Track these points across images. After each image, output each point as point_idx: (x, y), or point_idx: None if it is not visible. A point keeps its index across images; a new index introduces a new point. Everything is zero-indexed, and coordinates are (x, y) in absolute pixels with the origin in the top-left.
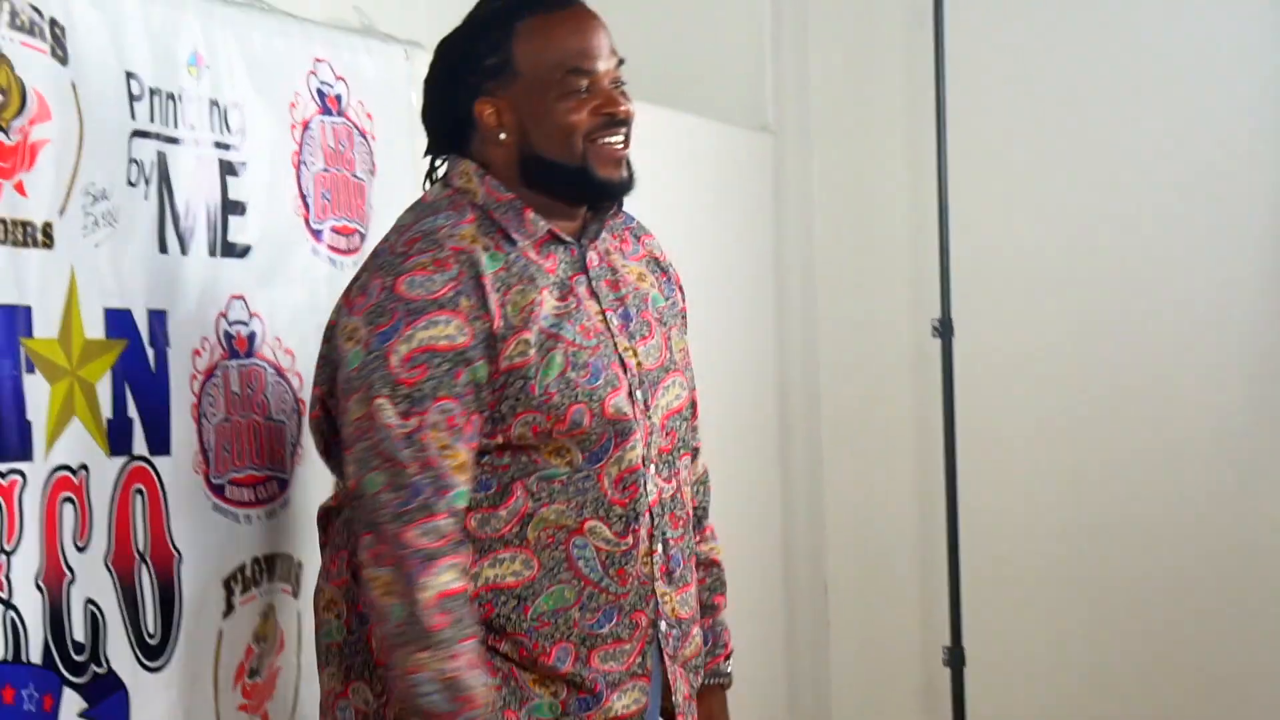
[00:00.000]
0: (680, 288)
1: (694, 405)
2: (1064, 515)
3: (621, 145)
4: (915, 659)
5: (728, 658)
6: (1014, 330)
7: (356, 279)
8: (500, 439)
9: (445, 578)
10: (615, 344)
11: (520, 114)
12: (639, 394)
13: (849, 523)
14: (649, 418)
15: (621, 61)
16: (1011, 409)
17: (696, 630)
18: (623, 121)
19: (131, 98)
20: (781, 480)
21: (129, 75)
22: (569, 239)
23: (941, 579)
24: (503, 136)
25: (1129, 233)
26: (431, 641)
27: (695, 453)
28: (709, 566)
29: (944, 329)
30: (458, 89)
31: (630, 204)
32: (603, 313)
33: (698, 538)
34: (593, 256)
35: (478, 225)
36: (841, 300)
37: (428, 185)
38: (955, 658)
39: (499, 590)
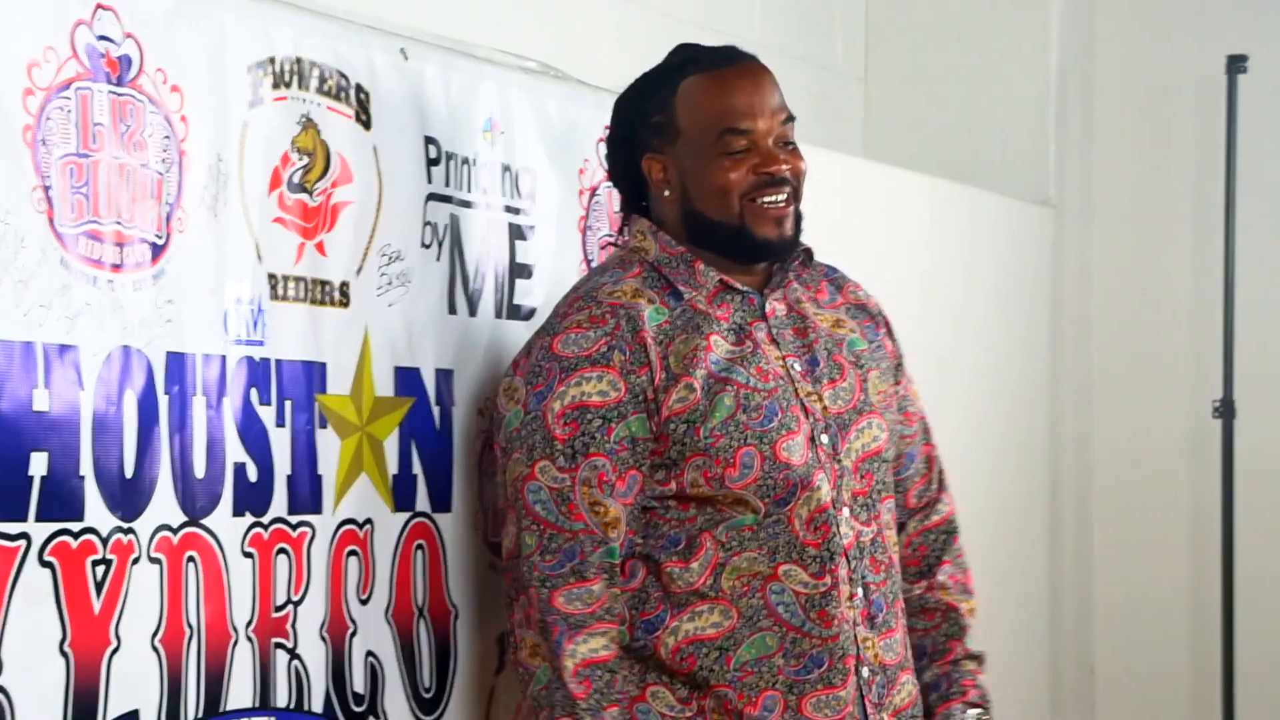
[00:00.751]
0: (891, 333)
1: (928, 460)
2: None
3: (783, 203)
4: None
5: (969, 704)
6: None
7: (526, 341)
8: (674, 486)
9: (591, 644)
10: (796, 389)
11: (682, 172)
12: (824, 438)
13: (1119, 606)
14: (838, 461)
15: (791, 118)
16: None
17: (906, 678)
18: (783, 180)
19: (429, 161)
20: (1050, 561)
21: (427, 140)
22: (746, 289)
23: (1214, 667)
24: (667, 193)
25: None
26: (573, 709)
27: (930, 504)
28: (944, 612)
29: (1225, 410)
30: (631, 146)
31: (908, 271)
32: (783, 359)
33: (925, 585)
34: (775, 306)
35: (643, 279)
36: (1119, 379)
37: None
38: None
39: (699, 643)
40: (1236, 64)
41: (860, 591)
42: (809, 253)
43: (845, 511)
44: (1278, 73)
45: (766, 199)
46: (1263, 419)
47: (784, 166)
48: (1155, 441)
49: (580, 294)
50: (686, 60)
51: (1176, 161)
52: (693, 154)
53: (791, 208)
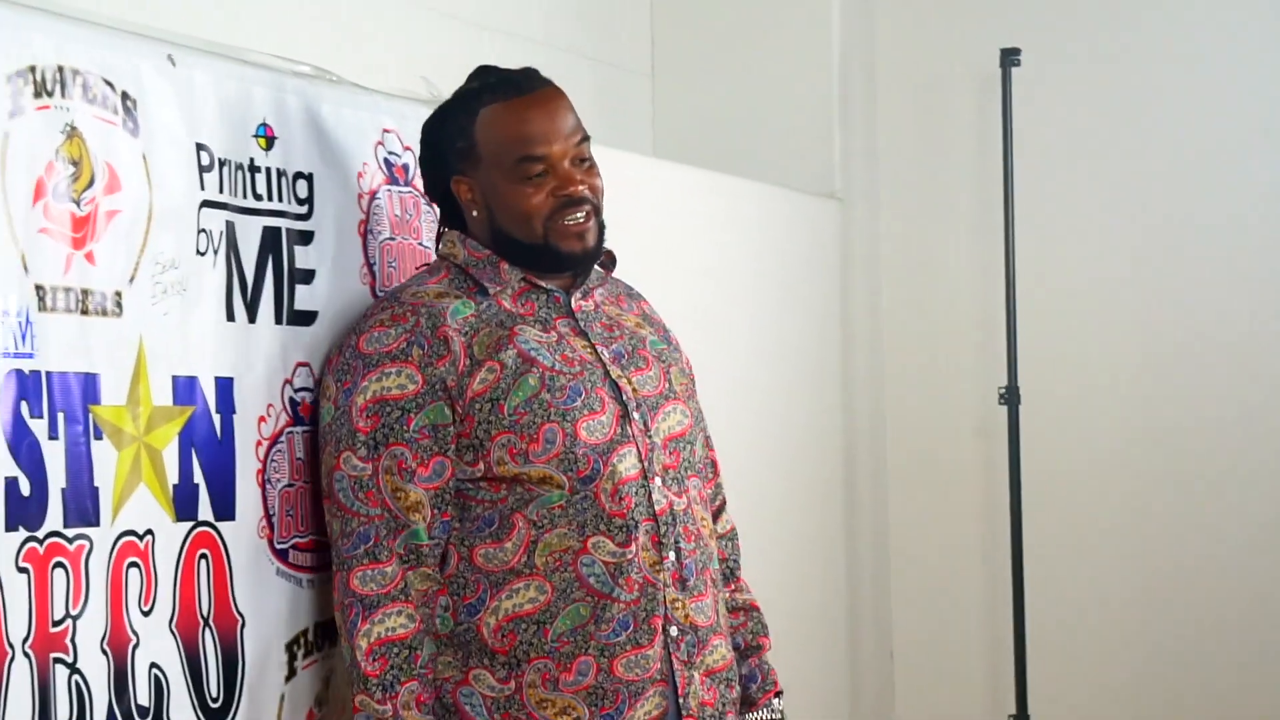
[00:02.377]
0: (681, 351)
1: (713, 463)
2: (1131, 582)
3: (583, 219)
4: None
5: (778, 694)
6: (1080, 397)
7: (337, 340)
8: (482, 466)
9: (387, 624)
10: (607, 371)
11: (487, 194)
12: (637, 415)
13: (914, 591)
14: (650, 436)
15: (586, 138)
16: (1078, 476)
17: (719, 641)
18: (581, 200)
19: (201, 168)
20: (846, 549)
21: (199, 146)
22: (551, 288)
23: (1007, 646)
24: (475, 213)
25: (1197, 300)
26: (368, 686)
27: (721, 507)
28: (748, 611)
29: (1010, 397)
30: (438, 167)
31: (700, 267)
32: (592, 346)
33: (731, 587)
34: (581, 303)
35: (450, 281)
36: (908, 367)
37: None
38: None
39: (519, 619)
40: (1010, 57)
41: (672, 555)
42: (612, 257)
43: (657, 480)
44: (1049, 65)
45: (568, 219)
46: (1046, 404)
47: (581, 187)
48: (945, 429)
49: (386, 296)
50: (484, 87)
51: (957, 153)
52: (494, 178)
53: (592, 222)
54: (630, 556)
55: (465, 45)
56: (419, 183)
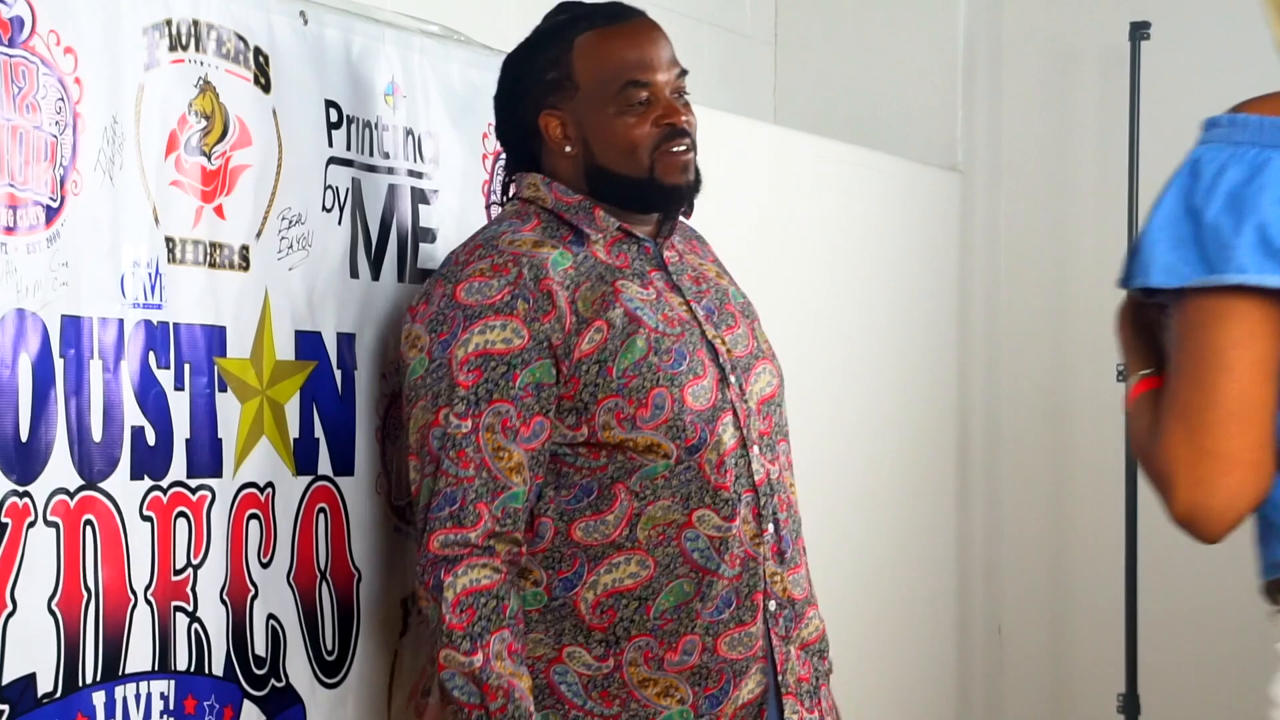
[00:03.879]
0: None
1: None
2: (1246, 562)
3: (685, 151)
4: (1090, 705)
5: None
6: None
7: (421, 288)
8: (585, 431)
9: (470, 576)
10: (703, 331)
11: (584, 128)
12: (733, 378)
13: (1025, 566)
14: (745, 401)
15: (684, 72)
16: None
17: (813, 613)
18: (684, 131)
19: (329, 125)
20: (958, 525)
21: (328, 104)
22: (643, 237)
23: (1118, 623)
24: (568, 149)
25: None
26: (453, 639)
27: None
28: None
29: (1128, 374)
30: (524, 103)
31: (816, 236)
32: (687, 304)
33: None
34: (670, 255)
35: (543, 229)
36: (1025, 344)
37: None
38: (1130, 705)
39: (619, 595)
40: (1139, 30)
41: (771, 527)
42: (691, 204)
43: (755, 449)
44: (1179, 39)
45: (674, 149)
46: None
47: (684, 117)
48: (1061, 408)
49: (480, 242)
50: (577, 17)
51: (1082, 128)
52: (594, 109)
53: (692, 155)
54: (734, 531)
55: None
56: None
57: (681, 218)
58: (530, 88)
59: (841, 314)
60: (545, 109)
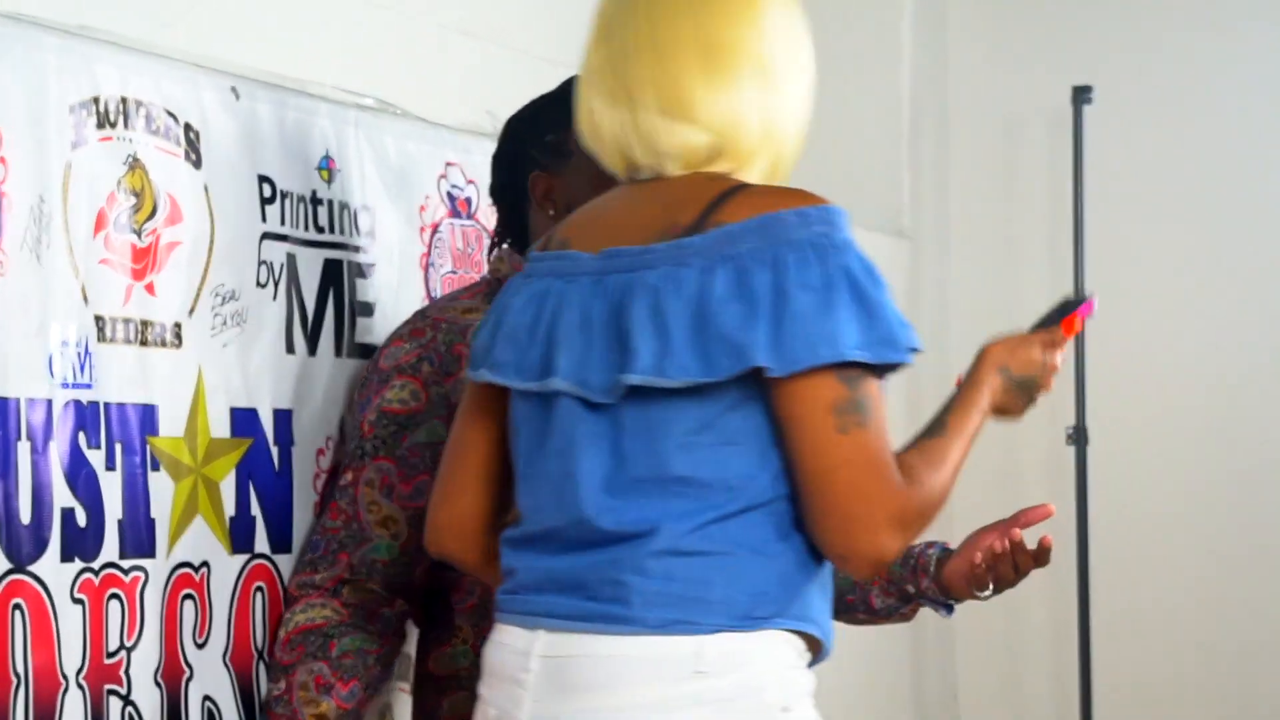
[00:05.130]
0: None
1: None
2: (1202, 628)
3: None
4: None
5: None
6: (1150, 437)
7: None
8: None
9: (306, 615)
10: None
11: (568, 195)
12: None
13: (980, 639)
14: None
15: None
16: (1146, 518)
17: None
18: None
19: (263, 200)
20: None
21: (261, 178)
22: None
23: (1073, 691)
24: (550, 212)
25: (1268, 341)
26: (272, 673)
27: None
28: None
29: (1079, 436)
30: (519, 162)
31: None
32: None
33: None
34: None
35: (484, 296)
36: None
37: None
38: None
39: None
40: (1082, 94)
41: None
42: None
43: None
44: (1121, 102)
45: None
46: (1114, 444)
47: None
48: (1012, 468)
49: (418, 311)
50: None
51: (1030, 191)
52: (580, 179)
53: None
54: None
55: (533, 80)
56: (482, 216)
57: None
58: (528, 146)
59: None
60: (537, 169)
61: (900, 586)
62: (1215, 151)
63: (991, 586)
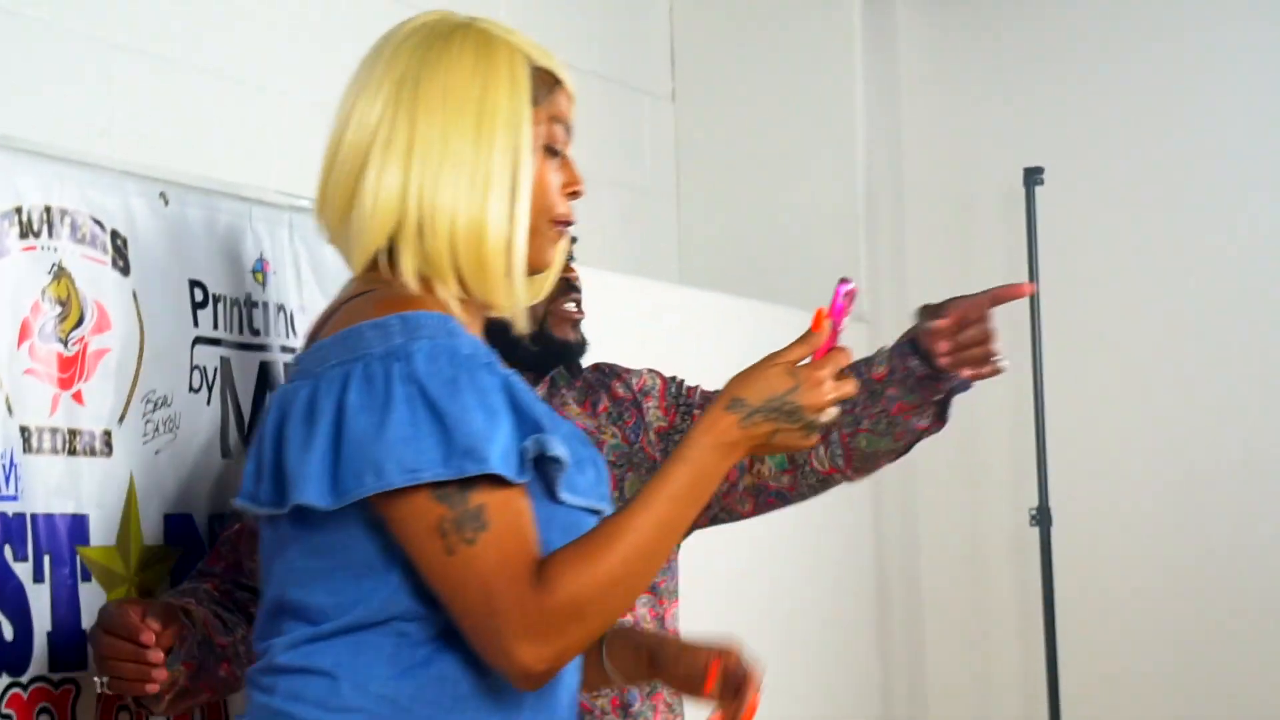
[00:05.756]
0: (667, 400)
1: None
2: (1170, 706)
3: (576, 309)
4: None
5: None
6: (1113, 516)
7: None
8: None
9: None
10: None
11: None
12: None
13: (950, 712)
14: None
15: (573, 239)
16: (1112, 596)
17: None
18: (576, 287)
19: (195, 305)
20: (882, 669)
21: (193, 283)
22: None
23: None
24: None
25: (1231, 417)
26: None
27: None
28: None
29: (1042, 518)
30: None
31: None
32: None
33: None
34: None
35: None
36: (940, 490)
37: None
38: None
39: None
40: (1033, 175)
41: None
42: (578, 364)
43: None
44: (1073, 183)
45: (566, 304)
46: (1077, 525)
47: (575, 273)
48: (978, 550)
49: None
50: None
51: (986, 272)
52: None
53: (582, 315)
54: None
55: None
56: None
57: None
58: None
59: None
60: None
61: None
62: (1170, 230)
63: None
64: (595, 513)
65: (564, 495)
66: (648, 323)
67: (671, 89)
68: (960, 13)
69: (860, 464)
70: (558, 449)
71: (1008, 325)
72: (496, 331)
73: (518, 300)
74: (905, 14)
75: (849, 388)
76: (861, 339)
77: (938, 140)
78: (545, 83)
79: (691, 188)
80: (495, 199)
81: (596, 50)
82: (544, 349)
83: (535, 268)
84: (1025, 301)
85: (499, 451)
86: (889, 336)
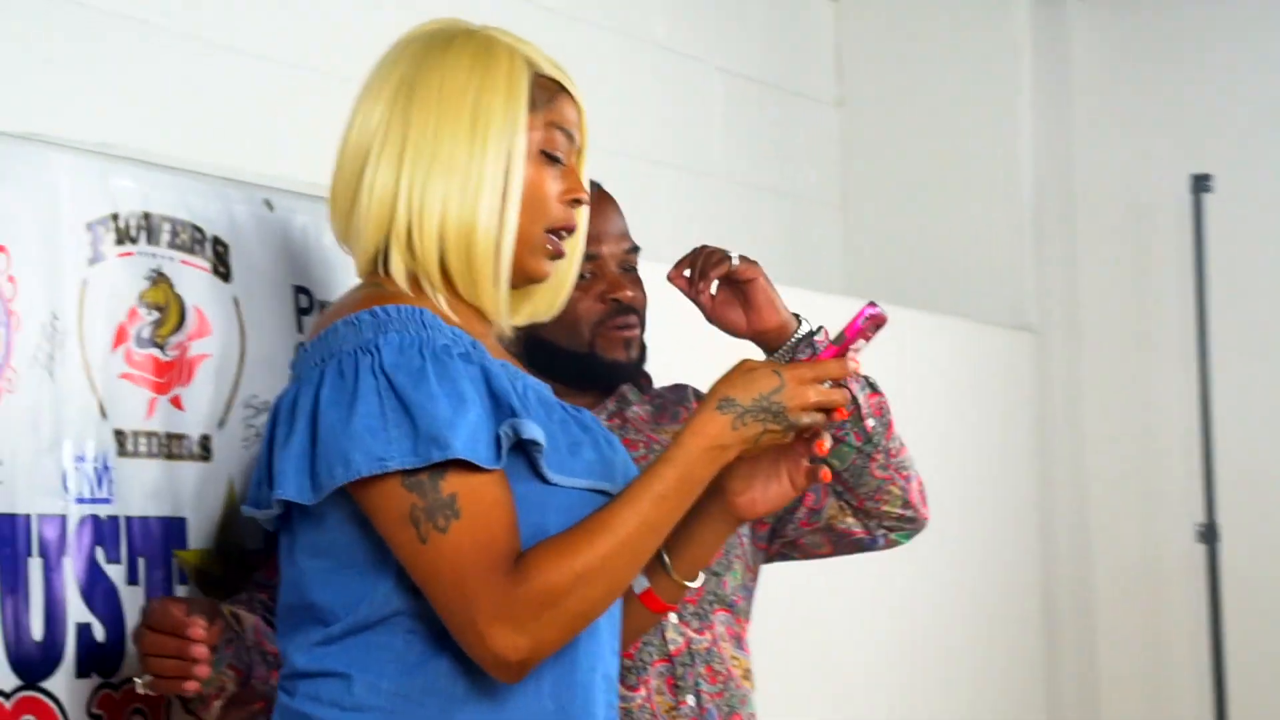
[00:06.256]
0: None
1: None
2: None
3: (629, 328)
4: None
5: None
6: None
7: None
8: None
9: None
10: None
11: None
12: None
13: None
14: None
15: (635, 248)
16: None
17: None
18: (629, 308)
19: (299, 311)
20: (1046, 693)
21: (297, 289)
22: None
23: None
24: None
25: None
26: None
27: None
28: None
29: (1209, 534)
30: None
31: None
32: None
33: None
34: (607, 423)
35: None
36: (1111, 503)
37: None
38: None
39: None
40: (1201, 183)
41: (691, 699)
42: (648, 379)
43: (672, 617)
44: (1243, 191)
45: (617, 324)
46: (1247, 541)
47: (629, 293)
48: (1145, 566)
49: None
50: None
51: (1158, 281)
52: None
53: (638, 332)
54: (639, 701)
55: (640, 180)
56: None
57: (677, 387)
58: None
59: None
60: None
61: None
62: None
63: None
64: (601, 493)
65: (553, 476)
66: None
67: (838, 95)
68: (1131, 18)
69: (855, 484)
70: (533, 431)
71: (1175, 337)
72: (540, 347)
73: (502, 306)
74: (1076, 18)
75: (837, 396)
76: (1028, 349)
77: (1107, 146)
78: (547, 89)
79: (857, 196)
80: (486, 201)
81: (759, 56)
82: (590, 369)
83: (528, 277)
84: (1192, 312)
85: (464, 437)
86: (1057, 347)
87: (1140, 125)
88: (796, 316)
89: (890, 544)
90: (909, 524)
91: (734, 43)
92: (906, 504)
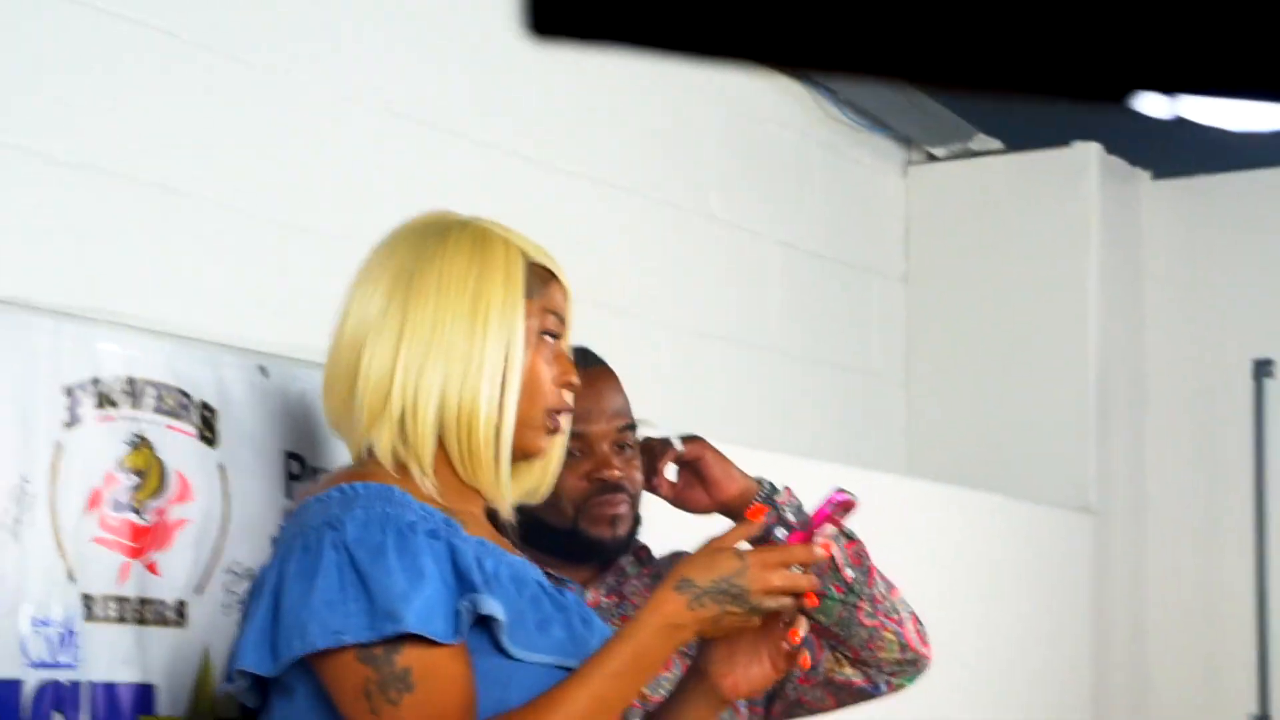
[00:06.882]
0: None
1: None
2: None
3: (615, 505)
4: None
5: None
6: None
7: None
8: None
9: None
10: None
11: None
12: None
13: None
14: None
15: (631, 425)
16: None
17: None
18: (616, 486)
19: (289, 477)
20: None
21: (289, 455)
22: (566, 580)
23: None
24: None
25: None
26: None
27: None
28: None
29: None
30: None
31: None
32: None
33: None
34: (596, 596)
35: None
36: (1168, 691)
37: None
38: None
39: None
40: (1264, 368)
41: None
42: (645, 550)
43: None
44: None
45: (600, 502)
46: None
47: (617, 472)
48: None
49: None
50: None
51: (1219, 465)
52: None
53: (626, 509)
54: None
55: (690, 357)
56: None
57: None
58: None
59: (978, 664)
60: None
61: None
62: None
63: None
64: (568, 670)
65: (516, 652)
66: (875, 517)
67: (904, 270)
68: (1200, 201)
69: (846, 636)
70: (490, 607)
71: (1235, 521)
72: (532, 524)
73: (504, 487)
74: (1145, 199)
75: (803, 581)
76: (1089, 532)
77: (1172, 328)
78: (540, 277)
79: (922, 373)
80: (487, 385)
81: (826, 230)
82: (575, 546)
83: (527, 453)
84: (1250, 496)
85: (419, 611)
86: (1119, 529)
87: (1205, 308)
88: (759, 481)
89: (894, 689)
90: (910, 666)
91: (800, 218)
92: (904, 647)
